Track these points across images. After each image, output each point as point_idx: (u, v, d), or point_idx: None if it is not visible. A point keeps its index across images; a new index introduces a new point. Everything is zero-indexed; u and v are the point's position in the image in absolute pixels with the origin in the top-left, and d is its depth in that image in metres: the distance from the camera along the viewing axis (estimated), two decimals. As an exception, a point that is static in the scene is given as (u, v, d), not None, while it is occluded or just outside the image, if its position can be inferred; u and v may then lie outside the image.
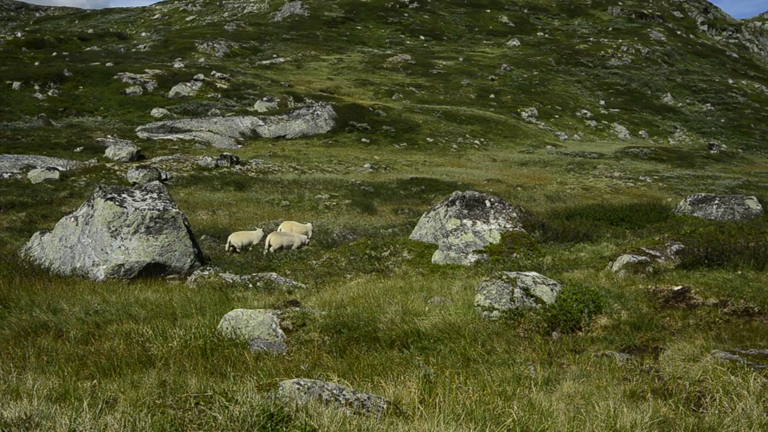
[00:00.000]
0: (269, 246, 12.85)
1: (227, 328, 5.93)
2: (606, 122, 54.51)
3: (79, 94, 42.28)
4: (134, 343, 5.74)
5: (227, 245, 13.08)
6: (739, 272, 6.91)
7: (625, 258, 8.36)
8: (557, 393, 4.16)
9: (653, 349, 5.35)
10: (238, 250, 12.87)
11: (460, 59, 64.76)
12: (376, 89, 53.16)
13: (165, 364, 5.08)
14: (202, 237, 14.39)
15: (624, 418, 3.36)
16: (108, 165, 25.47)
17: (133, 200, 10.50)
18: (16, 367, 4.70)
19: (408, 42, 73.15)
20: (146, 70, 47.01)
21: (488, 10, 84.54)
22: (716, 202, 15.22)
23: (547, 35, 78.65)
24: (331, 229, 16.24)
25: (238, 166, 27.27)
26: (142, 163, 25.88)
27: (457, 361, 5.04)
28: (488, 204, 12.25)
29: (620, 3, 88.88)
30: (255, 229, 13.88)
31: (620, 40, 73.57)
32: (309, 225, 14.81)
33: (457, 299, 6.88)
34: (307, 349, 5.71)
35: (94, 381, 4.32)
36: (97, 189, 10.69)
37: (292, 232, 13.88)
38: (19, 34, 66.03)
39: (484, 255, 10.77)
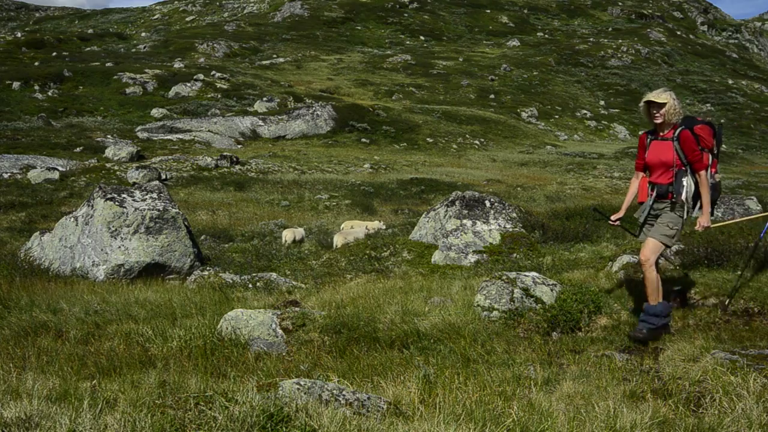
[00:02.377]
0: (336, 246, 13.05)
1: (227, 329, 5.93)
2: (606, 122, 54.53)
3: (79, 94, 42.29)
4: (134, 343, 5.73)
5: (283, 239, 14.07)
6: (739, 272, 6.91)
7: (625, 258, 8.37)
8: (557, 393, 4.16)
9: (653, 350, 5.35)
10: (289, 243, 14.00)
11: (460, 59, 64.76)
12: (376, 89, 53.16)
13: (165, 365, 5.07)
14: (202, 237, 14.39)
15: (624, 418, 3.36)
16: (108, 165, 25.47)
17: (133, 200, 10.50)
18: (16, 367, 4.70)
19: (408, 42, 73.15)
20: (146, 71, 47.01)
21: (488, 11, 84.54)
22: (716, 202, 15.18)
23: (547, 35, 78.65)
24: (331, 230, 16.23)
25: (238, 166, 27.27)
26: (142, 163, 25.88)
27: (456, 362, 5.04)
28: (488, 204, 12.24)
29: (620, 3, 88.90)
30: (298, 228, 15.05)
31: (620, 41, 73.58)
32: (376, 223, 14.93)
33: (456, 299, 6.87)
34: (307, 349, 5.71)
35: (94, 381, 4.32)
36: (97, 189, 10.69)
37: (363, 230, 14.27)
38: (19, 34, 66.03)
39: (484, 255, 10.77)
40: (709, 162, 5.90)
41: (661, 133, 5.85)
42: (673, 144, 5.73)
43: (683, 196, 5.75)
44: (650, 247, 5.77)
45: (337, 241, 13.17)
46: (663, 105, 5.67)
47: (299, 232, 14.52)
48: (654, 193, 5.90)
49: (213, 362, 5.24)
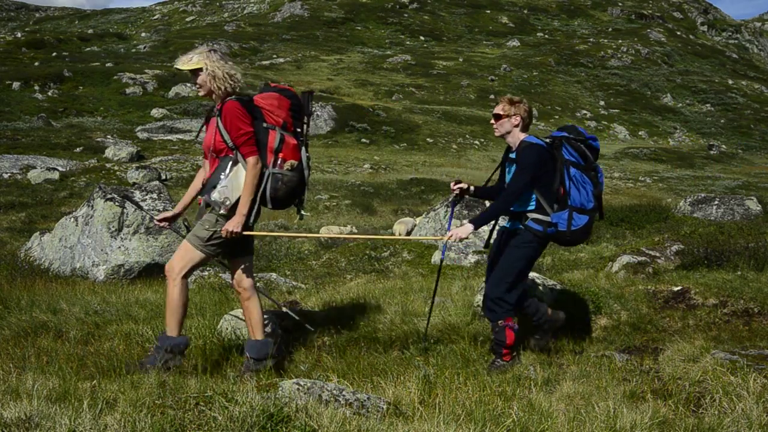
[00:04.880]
0: (398, 233, 14.02)
1: (227, 329, 5.92)
2: (606, 123, 54.53)
3: (79, 94, 42.29)
4: (134, 344, 5.73)
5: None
6: (739, 273, 6.91)
7: (625, 258, 8.37)
8: (557, 393, 4.17)
9: (653, 350, 5.35)
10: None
11: (460, 60, 64.78)
12: (376, 89, 53.17)
13: (165, 365, 5.07)
14: (202, 237, 14.39)
15: (624, 418, 3.36)
16: (108, 165, 25.47)
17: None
18: (16, 367, 4.70)
19: (408, 42, 73.16)
20: (146, 71, 47.03)
21: (488, 11, 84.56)
22: (716, 202, 15.21)
23: (546, 36, 78.67)
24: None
25: (238, 167, 27.25)
26: (142, 164, 25.88)
27: (456, 362, 5.04)
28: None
29: (620, 4, 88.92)
30: (336, 227, 15.79)
31: (620, 41, 73.59)
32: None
33: (456, 300, 6.88)
34: (307, 349, 5.71)
35: (94, 381, 4.32)
36: (97, 189, 10.69)
37: None
38: (19, 35, 66.02)
39: (484, 255, 10.78)
40: (276, 145, 4.26)
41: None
42: (217, 121, 4.22)
43: (215, 195, 4.24)
44: (179, 253, 4.44)
45: (397, 229, 14.47)
46: (197, 72, 4.20)
47: (334, 229, 15.00)
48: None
49: (212, 362, 5.24)
